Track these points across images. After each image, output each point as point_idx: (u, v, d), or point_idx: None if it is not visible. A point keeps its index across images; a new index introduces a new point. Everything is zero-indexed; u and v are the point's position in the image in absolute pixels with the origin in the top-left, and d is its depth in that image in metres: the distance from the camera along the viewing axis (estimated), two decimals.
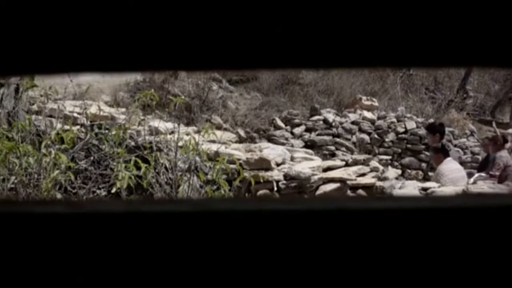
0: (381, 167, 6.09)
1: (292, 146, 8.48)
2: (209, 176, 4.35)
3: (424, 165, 9.14)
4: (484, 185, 5.80)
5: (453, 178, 5.99)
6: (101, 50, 0.47)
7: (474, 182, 6.43)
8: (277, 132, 9.42)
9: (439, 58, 0.47)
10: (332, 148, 9.45)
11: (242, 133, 9.21)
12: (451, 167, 6.17)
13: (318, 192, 5.32)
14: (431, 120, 10.31)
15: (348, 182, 5.45)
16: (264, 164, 5.39)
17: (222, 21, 0.46)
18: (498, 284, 0.48)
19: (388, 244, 0.48)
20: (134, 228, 0.48)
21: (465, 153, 9.68)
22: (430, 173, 6.02)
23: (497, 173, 6.84)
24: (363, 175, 5.72)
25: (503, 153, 7.14)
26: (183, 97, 5.29)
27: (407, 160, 9.00)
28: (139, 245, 0.48)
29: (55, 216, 0.49)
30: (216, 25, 0.46)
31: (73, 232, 0.48)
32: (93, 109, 5.45)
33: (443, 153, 6.26)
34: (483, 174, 7.15)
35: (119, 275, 0.49)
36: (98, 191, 4.18)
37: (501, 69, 9.01)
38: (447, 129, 9.92)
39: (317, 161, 5.98)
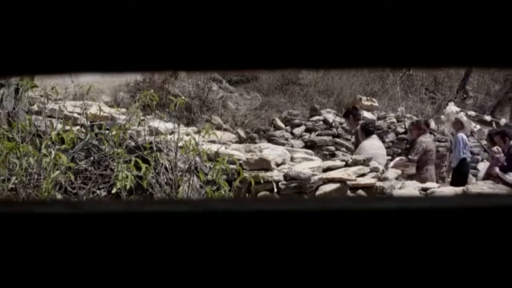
0: (381, 168, 6.08)
1: (292, 146, 8.48)
2: (209, 177, 4.34)
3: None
4: (484, 185, 5.80)
5: (373, 154, 6.36)
6: (101, 50, 0.47)
7: (393, 166, 6.96)
8: (277, 133, 9.42)
9: (439, 58, 0.47)
10: (332, 148, 9.45)
11: (242, 133, 9.21)
12: (373, 144, 6.67)
13: (318, 192, 5.31)
14: (431, 120, 10.32)
15: (348, 182, 5.44)
16: (264, 165, 5.39)
17: (221, 22, 0.46)
18: (498, 284, 0.48)
19: (388, 244, 0.48)
20: (134, 229, 0.48)
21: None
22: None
23: (415, 158, 7.13)
24: (363, 175, 5.70)
25: (424, 138, 7.32)
26: (183, 97, 5.28)
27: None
28: (139, 246, 0.48)
29: (55, 217, 0.49)
30: (216, 26, 0.46)
31: (73, 233, 0.48)
32: (93, 110, 5.44)
33: (365, 131, 6.77)
34: (403, 158, 7.62)
35: (119, 275, 0.49)
36: (98, 192, 4.18)
37: (501, 69, 9.02)
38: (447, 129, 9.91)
39: (317, 162, 5.97)
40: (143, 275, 0.48)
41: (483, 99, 14.38)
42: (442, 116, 10.12)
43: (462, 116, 8.67)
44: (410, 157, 7.32)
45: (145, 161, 4.04)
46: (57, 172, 3.70)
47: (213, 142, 5.35)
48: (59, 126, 4.22)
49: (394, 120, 10.12)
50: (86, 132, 4.57)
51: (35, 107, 5.48)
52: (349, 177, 5.47)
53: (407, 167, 7.06)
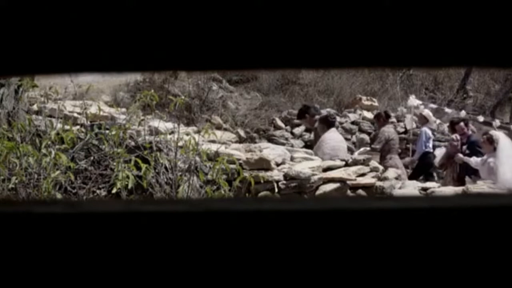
0: (381, 167, 6.08)
1: (292, 146, 8.46)
2: (209, 176, 4.34)
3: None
4: (484, 185, 5.81)
5: (333, 146, 6.40)
6: (101, 50, 0.47)
7: (359, 154, 7.06)
8: (277, 132, 9.41)
9: (439, 58, 0.47)
10: None
11: (242, 133, 9.21)
12: (333, 136, 6.67)
13: (318, 192, 5.31)
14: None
15: (348, 182, 5.44)
16: (264, 164, 5.38)
17: (221, 22, 0.46)
18: (498, 284, 0.48)
19: (388, 244, 0.48)
20: (134, 228, 0.48)
21: None
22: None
23: (378, 146, 7.62)
24: (363, 175, 5.70)
25: (386, 128, 7.82)
26: (183, 97, 5.28)
27: (407, 160, 8.97)
28: (138, 245, 0.48)
29: (54, 216, 0.49)
30: (216, 26, 0.46)
31: (72, 232, 0.48)
32: (93, 109, 5.44)
33: (327, 124, 6.76)
34: (368, 148, 8.00)
35: (119, 275, 0.49)
36: (98, 191, 4.18)
37: (501, 69, 9.02)
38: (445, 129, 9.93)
39: (317, 161, 5.97)
40: (143, 275, 0.48)
41: (483, 99, 14.39)
42: (404, 109, 10.17)
43: (424, 110, 8.81)
44: (372, 146, 7.75)
45: (145, 161, 4.04)
46: (57, 172, 3.69)
47: (213, 142, 5.34)
48: (59, 125, 4.22)
49: (394, 120, 10.10)
50: (86, 132, 4.57)
51: (35, 107, 5.49)
52: (349, 177, 5.47)
53: (371, 156, 7.11)
